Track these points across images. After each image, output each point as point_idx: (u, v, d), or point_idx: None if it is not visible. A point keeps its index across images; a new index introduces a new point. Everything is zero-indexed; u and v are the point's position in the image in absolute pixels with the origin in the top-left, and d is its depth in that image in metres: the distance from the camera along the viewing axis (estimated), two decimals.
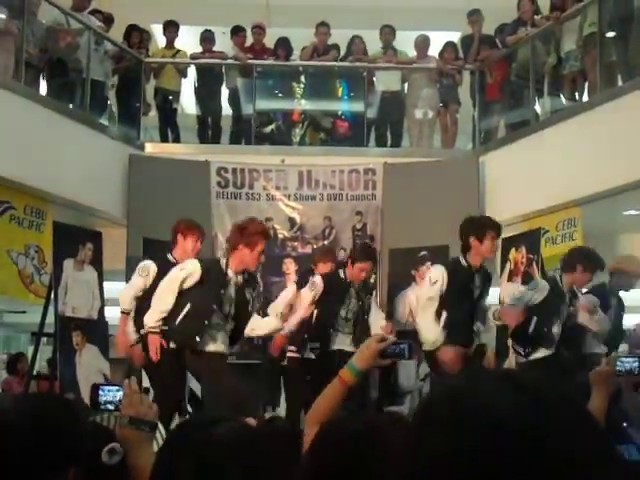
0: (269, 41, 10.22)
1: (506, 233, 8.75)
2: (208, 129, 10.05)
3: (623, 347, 7.66)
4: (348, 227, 8.93)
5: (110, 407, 2.14)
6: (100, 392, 2.17)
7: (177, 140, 9.91)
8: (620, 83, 7.79)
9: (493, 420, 0.84)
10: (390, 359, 2.46)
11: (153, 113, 10.00)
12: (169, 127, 9.93)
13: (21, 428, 1.69)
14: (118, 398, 2.13)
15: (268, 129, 10.02)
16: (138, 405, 2.03)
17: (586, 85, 8.41)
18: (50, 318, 7.37)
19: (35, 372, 8.27)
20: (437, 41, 10.23)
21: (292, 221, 8.94)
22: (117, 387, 2.18)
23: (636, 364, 2.91)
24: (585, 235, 8.01)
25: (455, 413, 0.86)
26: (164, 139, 9.86)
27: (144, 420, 2.01)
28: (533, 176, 8.34)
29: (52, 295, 7.36)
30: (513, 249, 8.41)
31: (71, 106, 8.69)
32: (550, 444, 0.82)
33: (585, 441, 0.85)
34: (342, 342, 6.37)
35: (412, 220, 8.39)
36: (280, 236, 8.79)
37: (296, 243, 8.93)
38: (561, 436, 0.83)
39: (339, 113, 10.28)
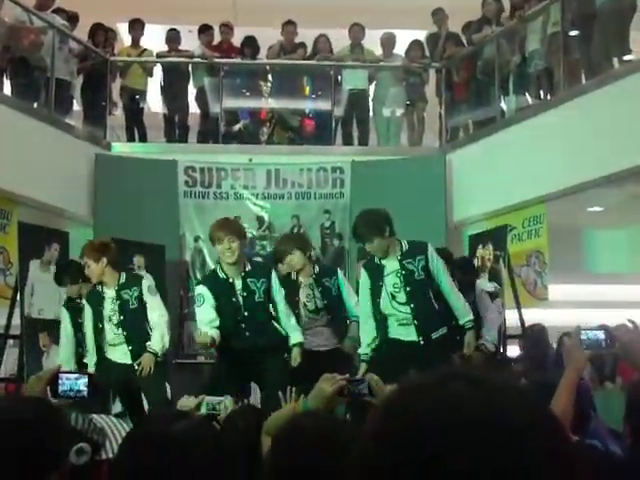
0: (236, 40, 10.23)
1: (473, 230, 8.90)
2: (175, 128, 10.03)
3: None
4: (316, 225, 8.93)
5: (70, 394, 2.13)
6: (59, 381, 2.15)
7: (144, 139, 9.86)
8: (584, 81, 7.86)
9: (451, 420, 0.83)
10: (348, 398, 2.47)
11: (119, 112, 9.95)
12: (136, 126, 9.90)
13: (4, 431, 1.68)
14: (77, 387, 2.12)
15: (236, 128, 10.03)
16: None
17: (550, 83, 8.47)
18: (16, 320, 7.30)
19: (2, 375, 8.19)
20: (403, 39, 10.26)
21: (260, 220, 8.93)
22: (77, 375, 2.17)
23: (602, 336, 2.84)
24: (550, 232, 8.10)
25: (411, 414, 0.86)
26: (131, 138, 9.84)
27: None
28: (499, 173, 8.40)
29: (18, 296, 7.28)
30: (480, 246, 8.44)
31: (36, 105, 8.64)
32: (506, 444, 0.82)
33: (540, 434, 0.85)
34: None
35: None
36: (249, 235, 8.77)
37: (265, 242, 8.92)
38: (519, 436, 0.83)
39: (306, 111, 10.31)
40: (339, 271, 6.05)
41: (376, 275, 5.28)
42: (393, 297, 5.21)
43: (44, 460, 1.69)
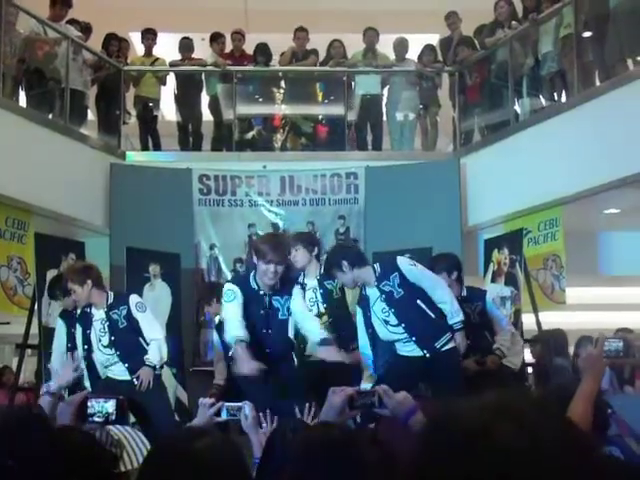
0: (248, 47, 10.26)
1: (488, 234, 8.85)
2: (189, 136, 10.06)
3: None
4: (331, 231, 8.94)
5: (97, 419, 2.15)
6: (88, 404, 2.17)
7: (158, 148, 9.90)
8: (598, 83, 7.84)
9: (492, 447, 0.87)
10: (359, 410, 2.48)
11: (133, 121, 9.98)
12: (150, 135, 9.94)
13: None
14: (106, 410, 2.14)
15: (249, 135, 10.07)
16: None
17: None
18: (34, 329, 7.34)
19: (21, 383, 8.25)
20: (416, 44, 10.26)
21: (275, 227, 8.93)
22: (104, 399, 2.19)
23: (621, 344, 2.97)
24: (566, 234, 8.07)
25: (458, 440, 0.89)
26: (145, 147, 9.86)
27: None
28: (514, 177, 8.38)
29: (36, 306, 7.32)
30: (496, 250, 8.44)
31: (50, 116, 8.67)
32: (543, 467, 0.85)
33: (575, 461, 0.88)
34: None
35: (395, 223, 8.42)
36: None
37: None
38: (553, 459, 0.86)
39: (319, 117, 10.35)
40: (296, 288, 5.54)
41: (364, 307, 5.37)
42: (386, 322, 5.28)
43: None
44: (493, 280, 8.27)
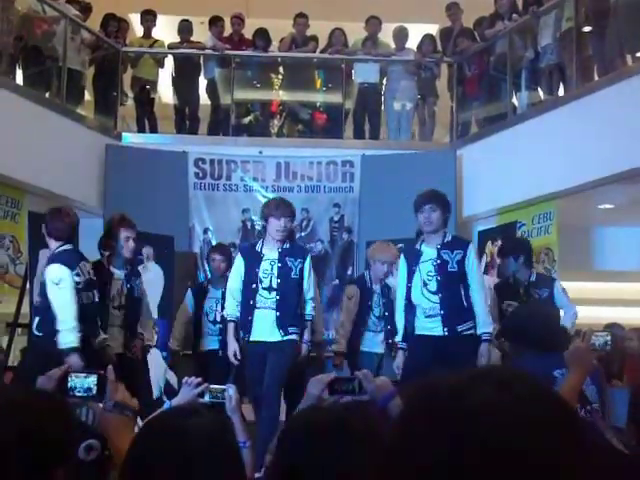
0: (247, 32, 10.26)
1: (482, 226, 8.93)
2: (186, 119, 10.08)
3: None
4: (325, 219, 8.99)
5: (78, 394, 2.16)
6: (68, 378, 2.18)
7: (154, 130, 9.90)
8: (596, 77, 7.84)
9: (479, 419, 0.87)
10: (338, 396, 2.48)
11: (130, 103, 9.99)
12: (146, 117, 9.95)
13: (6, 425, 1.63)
14: (86, 386, 2.16)
15: (246, 120, 10.12)
16: (122, 392, 2.13)
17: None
18: (25, 308, 7.35)
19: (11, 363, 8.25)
20: (415, 33, 10.27)
21: None
22: (85, 374, 2.20)
23: (608, 338, 2.95)
24: (561, 228, 8.10)
25: (454, 412, 0.89)
26: (141, 129, 9.86)
27: (127, 405, 2.11)
28: (510, 169, 8.41)
29: (27, 285, 7.33)
30: (489, 242, 8.50)
31: (47, 95, 8.69)
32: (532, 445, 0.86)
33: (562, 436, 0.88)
34: None
35: (389, 212, 8.41)
36: (257, 227, 8.78)
37: None
38: (545, 439, 0.86)
39: (317, 105, 10.37)
40: (309, 257, 5.85)
41: (412, 259, 5.37)
42: (425, 284, 5.28)
43: (48, 452, 1.62)
44: (486, 272, 8.28)
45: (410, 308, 5.32)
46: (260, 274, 5.53)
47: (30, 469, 1.55)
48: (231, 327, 5.61)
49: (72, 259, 5.24)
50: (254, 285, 5.52)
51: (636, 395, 2.61)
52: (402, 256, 5.54)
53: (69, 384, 2.17)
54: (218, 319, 6.64)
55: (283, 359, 5.46)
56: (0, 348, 8.99)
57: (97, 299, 5.35)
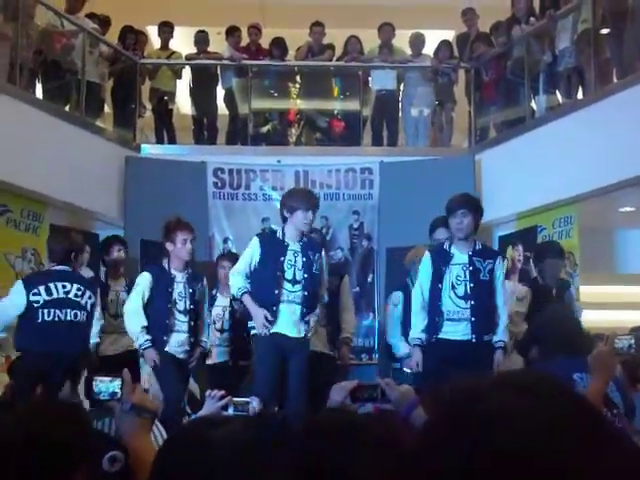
0: (264, 41, 10.35)
1: (503, 231, 8.94)
2: (204, 130, 10.14)
3: None
4: (345, 226, 9.01)
5: (103, 397, 2.19)
6: (93, 383, 2.21)
7: (173, 141, 9.99)
8: (615, 80, 7.86)
9: (504, 424, 0.87)
10: (361, 402, 2.48)
11: (149, 114, 10.07)
12: (165, 128, 10.03)
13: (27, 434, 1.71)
14: (112, 390, 2.18)
15: (264, 129, 10.16)
16: (139, 394, 2.13)
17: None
18: None
19: None
20: (432, 39, 10.32)
21: None
22: (110, 378, 2.23)
23: (632, 341, 2.93)
24: (581, 232, 8.10)
25: (470, 418, 0.89)
26: (160, 140, 9.94)
27: (145, 407, 2.10)
28: (529, 174, 8.41)
29: None
30: (510, 247, 8.54)
31: (67, 108, 8.78)
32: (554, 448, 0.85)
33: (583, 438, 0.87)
34: None
35: (409, 219, 8.42)
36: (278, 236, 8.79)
37: None
38: (566, 439, 0.86)
39: (335, 112, 10.42)
40: (323, 251, 5.85)
41: (442, 260, 5.33)
42: (453, 287, 5.25)
43: (58, 456, 1.72)
44: (507, 277, 8.25)
45: (435, 308, 5.28)
46: (285, 264, 5.44)
47: (39, 472, 1.64)
48: (248, 297, 5.43)
49: (34, 279, 5.84)
50: (278, 273, 5.41)
51: None
52: (428, 254, 5.44)
53: (94, 389, 2.20)
54: (226, 327, 6.64)
55: (306, 363, 5.43)
56: None
57: (70, 317, 5.62)
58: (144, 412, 2.10)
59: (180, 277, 5.70)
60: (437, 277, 5.29)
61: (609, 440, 0.89)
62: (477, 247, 5.34)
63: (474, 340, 5.16)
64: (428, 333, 5.28)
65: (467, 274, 5.21)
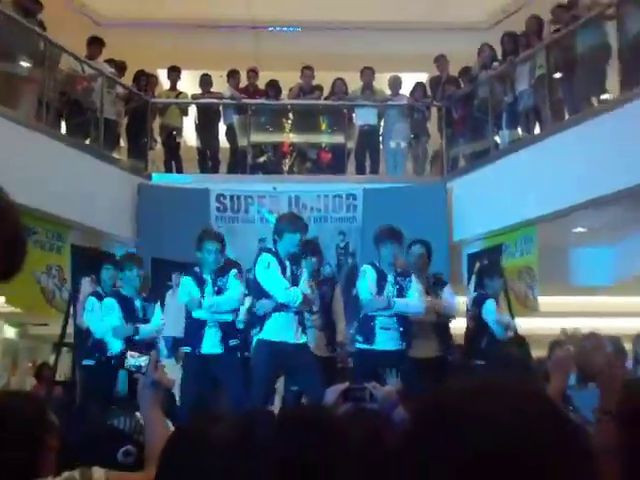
0: (261, 83, 10.33)
1: (471, 249, 8.87)
2: (208, 160, 10.09)
3: None
4: (333, 245, 8.95)
5: (131, 369, 2.29)
6: (128, 356, 2.34)
7: (180, 170, 9.96)
8: (567, 117, 7.94)
9: (486, 426, 0.84)
10: (352, 402, 2.42)
11: (159, 147, 10.06)
12: (173, 159, 9.99)
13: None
14: (140, 364, 2.30)
15: (261, 160, 10.10)
16: (160, 372, 2.16)
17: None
18: (70, 330, 7.43)
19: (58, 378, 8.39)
20: (408, 81, 10.36)
21: None
22: (139, 354, 2.36)
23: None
24: (540, 249, 8.12)
25: (454, 420, 0.86)
26: (169, 170, 9.91)
27: (162, 384, 2.16)
28: (494, 199, 8.41)
29: (71, 309, 7.43)
30: (477, 263, 8.48)
31: (87, 142, 8.80)
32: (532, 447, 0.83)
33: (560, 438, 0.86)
34: None
35: None
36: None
37: None
38: (544, 439, 0.84)
39: (323, 145, 10.35)
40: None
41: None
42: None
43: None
44: (475, 289, 8.38)
45: None
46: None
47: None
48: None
49: None
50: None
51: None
52: None
53: (126, 361, 2.33)
54: None
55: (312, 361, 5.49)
56: (48, 365, 9.13)
57: None
58: (160, 389, 2.15)
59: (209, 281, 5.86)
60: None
61: (573, 435, 0.87)
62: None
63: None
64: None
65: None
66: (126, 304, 6.22)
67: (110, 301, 6.27)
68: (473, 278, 8.38)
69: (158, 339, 6.40)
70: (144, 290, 6.61)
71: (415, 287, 5.77)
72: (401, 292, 5.73)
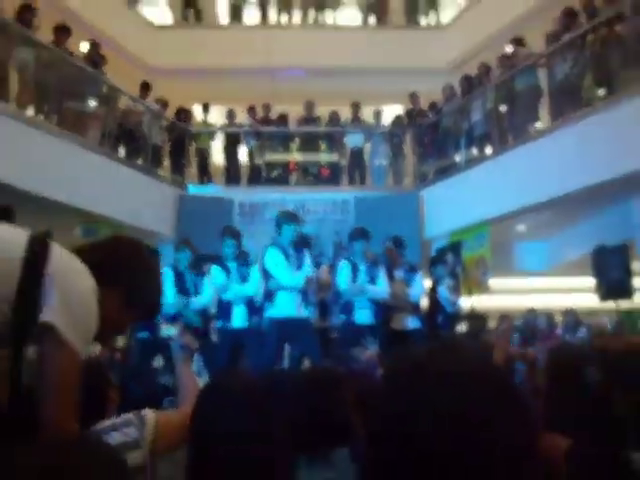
0: (273, 114, 10.37)
1: (438, 244, 8.85)
2: (232, 175, 10.09)
3: None
4: (330, 241, 8.93)
5: (164, 336, 2.40)
6: (162, 327, 2.47)
7: (210, 183, 9.98)
8: (510, 141, 7.99)
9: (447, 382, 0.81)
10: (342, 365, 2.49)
11: (193, 165, 10.07)
12: (204, 174, 10.00)
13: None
14: (169, 333, 2.40)
15: (273, 175, 10.07)
16: (187, 338, 2.12)
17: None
18: None
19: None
20: (388, 113, 10.43)
21: None
22: (168, 325, 2.49)
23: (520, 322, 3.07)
24: (492, 244, 8.14)
25: (418, 376, 0.84)
26: (201, 183, 9.90)
27: (189, 347, 2.12)
28: (456, 204, 8.46)
29: None
30: (443, 255, 8.47)
31: (140, 162, 8.88)
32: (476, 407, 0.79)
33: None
34: None
35: (375, 236, 8.64)
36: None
37: None
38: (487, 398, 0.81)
39: (322, 163, 10.28)
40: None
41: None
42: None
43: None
44: (430, 275, 8.39)
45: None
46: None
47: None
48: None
49: None
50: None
51: (551, 360, 2.48)
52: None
53: (160, 330, 2.43)
54: None
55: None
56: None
57: None
58: (186, 350, 2.08)
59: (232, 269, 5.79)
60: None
61: (511, 390, 0.83)
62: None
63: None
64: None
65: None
66: (179, 278, 5.97)
67: (166, 270, 5.83)
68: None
69: (209, 310, 5.93)
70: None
71: (382, 276, 5.69)
72: (373, 279, 5.65)
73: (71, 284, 1.32)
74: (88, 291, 1.36)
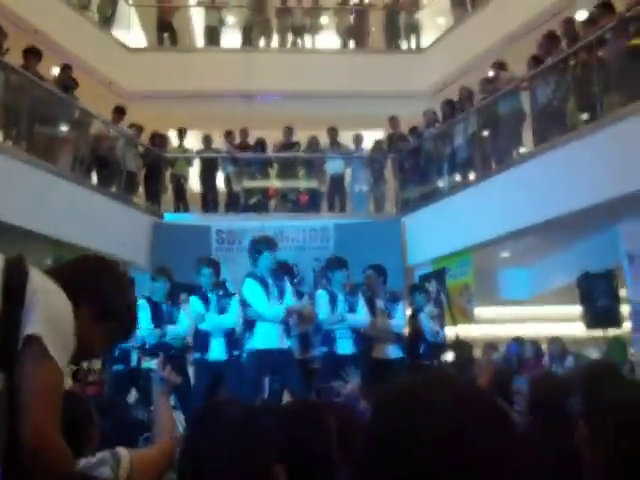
0: (251, 140, 10.35)
1: (421, 271, 8.89)
2: (209, 202, 10.07)
3: None
4: (310, 269, 8.96)
5: (147, 366, 2.39)
6: (143, 360, 2.44)
7: (187, 211, 9.92)
8: (493, 166, 8.05)
9: (433, 411, 0.83)
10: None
11: (169, 192, 10.04)
12: (181, 201, 9.97)
13: None
14: (150, 365, 2.37)
15: (252, 201, 10.06)
16: (168, 371, 2.11)
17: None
18: None
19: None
20: (368, 137, 10.45)
21: None
22: (150, 358, 2.47)
23: (500, 355, 3.20)
24: (475, 271, 8.19)
25: (406, 404, 0.86)
26: (177, 210, 9.86)
27: (169, 381, 2.12)
28: (439, 231, 8.46)
29: None
30: (426, 283, 8.51)
31: (113, 189, 8.83)
32: (470, 433, 0.81)
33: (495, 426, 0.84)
34: None
35: (356, 264, 8.61)
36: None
37: None
38: (479, 425, 0.83)
39: (301, 189, 10.31)
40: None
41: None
42: None
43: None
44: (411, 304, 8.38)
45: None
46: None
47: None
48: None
49: None
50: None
51: (535, 389, 2.49)
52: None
53: (142, 363, 2.40)
54: None
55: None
56: (84, 369, 9.03)
57: None
58: (168, 383, 2.09)
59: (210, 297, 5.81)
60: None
61: (498, 415, 0.86)
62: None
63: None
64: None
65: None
66: (155, 309, 5.92)
67: (142, 302, 5.79)
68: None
69: (186, 340, 5.92)
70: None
71: (362, 304, 5.70)
72: (352, 308, 5.64)
73: (52, 303, 1.36)
74: (68, 310, 1.39)
